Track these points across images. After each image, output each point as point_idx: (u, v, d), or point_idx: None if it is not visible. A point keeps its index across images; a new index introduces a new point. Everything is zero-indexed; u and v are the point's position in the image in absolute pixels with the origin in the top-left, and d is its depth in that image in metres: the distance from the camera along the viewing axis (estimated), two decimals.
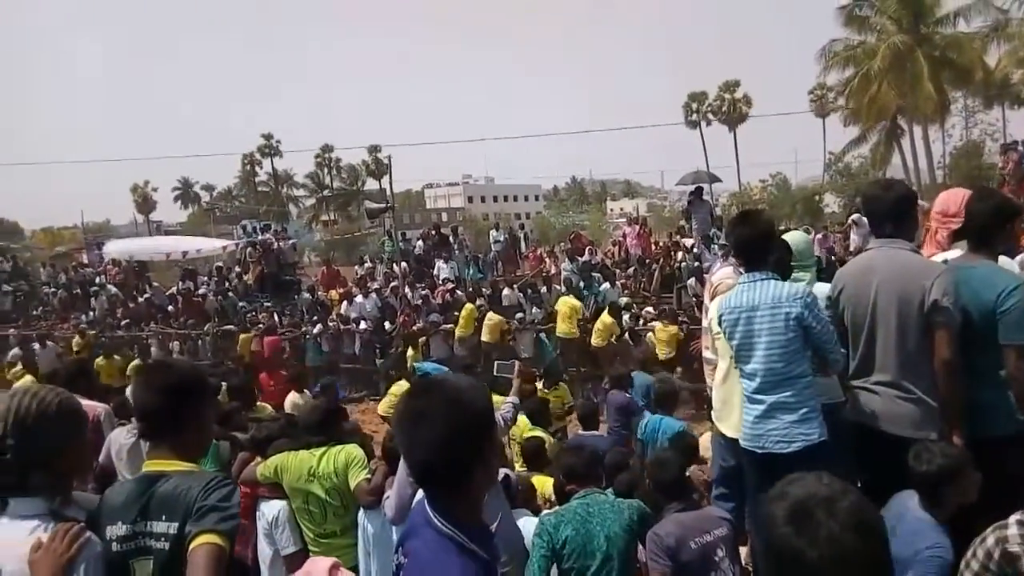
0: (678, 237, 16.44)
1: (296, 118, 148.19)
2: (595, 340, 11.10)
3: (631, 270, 15.52)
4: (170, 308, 16.98)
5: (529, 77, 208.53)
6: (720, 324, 3.31)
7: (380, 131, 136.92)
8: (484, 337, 11.96)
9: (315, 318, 14.30)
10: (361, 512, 3.80)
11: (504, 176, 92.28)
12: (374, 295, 14.79)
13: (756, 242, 3.24)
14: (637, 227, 17.67)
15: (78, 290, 19.35)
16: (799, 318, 3.03)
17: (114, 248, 19.99)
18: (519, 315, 12.61)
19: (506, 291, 14.12)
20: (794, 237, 3.82)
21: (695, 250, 14.33)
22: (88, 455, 3.00)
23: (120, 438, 4.31)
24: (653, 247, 16.96)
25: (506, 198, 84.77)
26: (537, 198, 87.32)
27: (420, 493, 1.84)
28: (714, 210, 18.11)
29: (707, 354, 3.96)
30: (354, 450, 3.87)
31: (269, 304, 15.79)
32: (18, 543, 1.90)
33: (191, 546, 1.84)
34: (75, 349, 14.22)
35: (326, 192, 69.78)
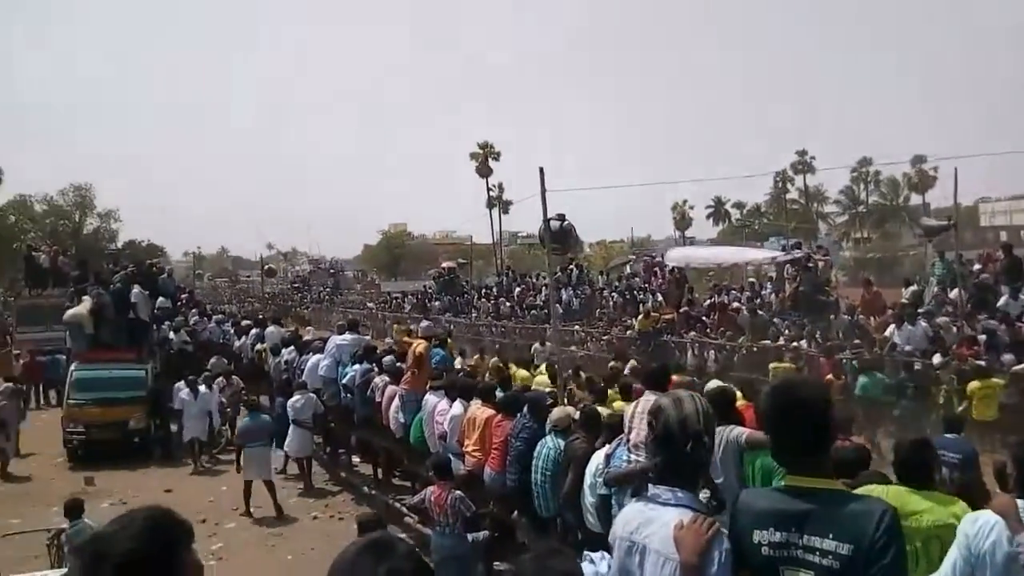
0: None
1: (831, 133, 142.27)
2: None
3: None
4: (705, 319, 18.04)
5: None
6: None
7: (925, 141, 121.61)
8: None
9: (855, 343, 13.51)
10: None
11: None
12: (923, 322, 13.29)
13: None
14: None
15: (629, 295, 22.04)
16: None
17: (675, 255, 22.26)
18: None
19: None
20: None
21: None
22: None
23: None
24: None
25: None
26: None
27: None
28: None
29: None
30: None
31: (805, 324, 15.45)
32: (664, 524, 2.17)
33: None
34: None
35: (861, 208, 65.76)
